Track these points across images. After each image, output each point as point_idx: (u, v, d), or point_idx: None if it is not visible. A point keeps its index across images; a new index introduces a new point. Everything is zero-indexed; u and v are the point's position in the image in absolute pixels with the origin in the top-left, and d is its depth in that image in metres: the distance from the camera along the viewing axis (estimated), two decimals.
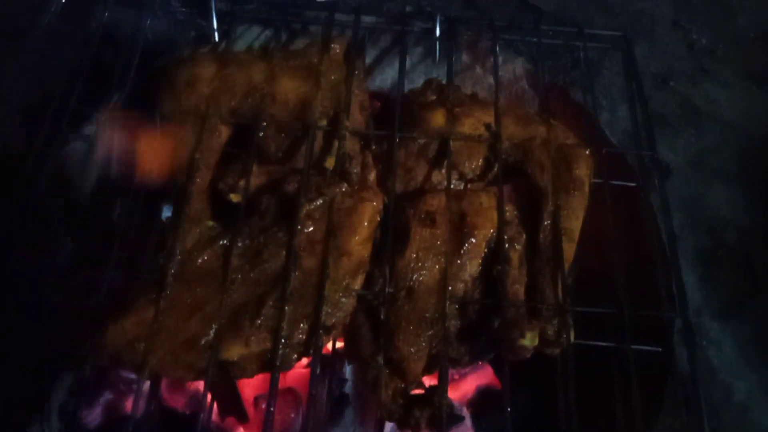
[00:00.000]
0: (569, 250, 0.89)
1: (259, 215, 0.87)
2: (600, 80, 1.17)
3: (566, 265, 0.87)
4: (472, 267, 0.86)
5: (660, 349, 0.85)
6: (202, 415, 0.78)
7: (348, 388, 1.01)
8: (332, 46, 1.04)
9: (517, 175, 0.96)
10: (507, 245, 0.87)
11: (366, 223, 0.86)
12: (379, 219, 0.88)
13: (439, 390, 0.77)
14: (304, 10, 1.19)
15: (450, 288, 0.83)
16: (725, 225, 1.04)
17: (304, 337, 0.78)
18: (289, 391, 1.02)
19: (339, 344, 0.92)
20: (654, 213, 0.98)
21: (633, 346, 0.82)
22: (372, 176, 0.95)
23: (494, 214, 0.89)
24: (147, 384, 0.79)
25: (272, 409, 0.74)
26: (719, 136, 1.13)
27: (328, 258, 0.82)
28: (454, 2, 1.25)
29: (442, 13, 1.17)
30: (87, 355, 0.78)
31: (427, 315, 0.82)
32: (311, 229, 0.85)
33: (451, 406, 0.80)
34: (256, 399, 1.02)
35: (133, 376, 1.02)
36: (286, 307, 0.78)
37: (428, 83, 1.05)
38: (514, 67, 1.21)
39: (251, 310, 0.78)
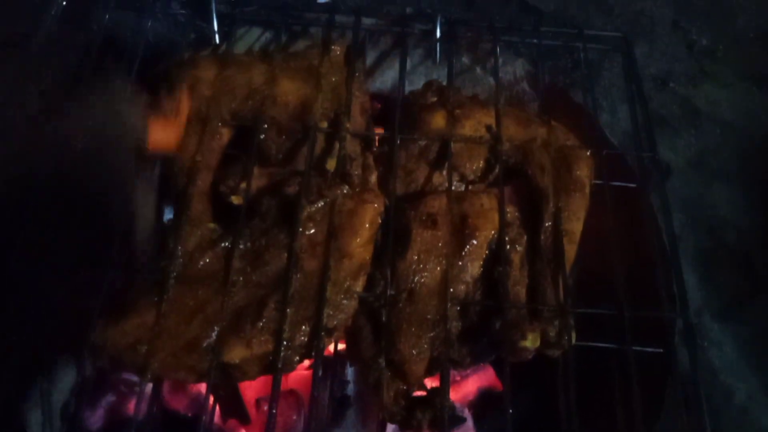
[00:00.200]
0: (570, 251, 0.89)
1: (260, 217, 0.87)
2: (600, 81, 1.17)
3: (567, 267, 0.87)
4: (473, 268, 0.86)
5: (661, 350, 0.85)
6: (204, 417, 0.79)
7: (350, 390, 1.01)
8: (333, 47, 1.03)
9: (517, 177, 0.96)
10: (508, 247, 0.87)
11: (367, 225, 0.86)
12: (380, 221, 0.88)
13: (441, 391, 0.77)
14: (304, 12, 1.19)
15: (451, 289, 0.83)
16: (725, 225, 1.04)
17: (305, 339, 0.78)
18: (291, 393, 1.02)
19: (341, 346, 0.93)
20: (654, 214, 0.98)
21: (634, 347, 0.82)
22: (373, 178, 0.95)
23: (495, 216, 0.89)
24: (149, 386, 0.79)
25: (274, 411, 0.74)
26: (719, 137, 1.13)
27: (330, 260, 0.82)
28: (454, 4, 1.25)
29: (442, 14, 1.16)
30: (87, 357, 0.78)
31: (428, 317, 0.82)
32: (312, 231, 0.85)
33: (452, 407, 0.79)
34: (258, 401, 1.03)
35: (134, 378, 1.02)
36: (288, 309, 0.78)
37: (429, 85, 1.05)
38: (515, 69, 1.21)
39: (253, 312, 0.78)
